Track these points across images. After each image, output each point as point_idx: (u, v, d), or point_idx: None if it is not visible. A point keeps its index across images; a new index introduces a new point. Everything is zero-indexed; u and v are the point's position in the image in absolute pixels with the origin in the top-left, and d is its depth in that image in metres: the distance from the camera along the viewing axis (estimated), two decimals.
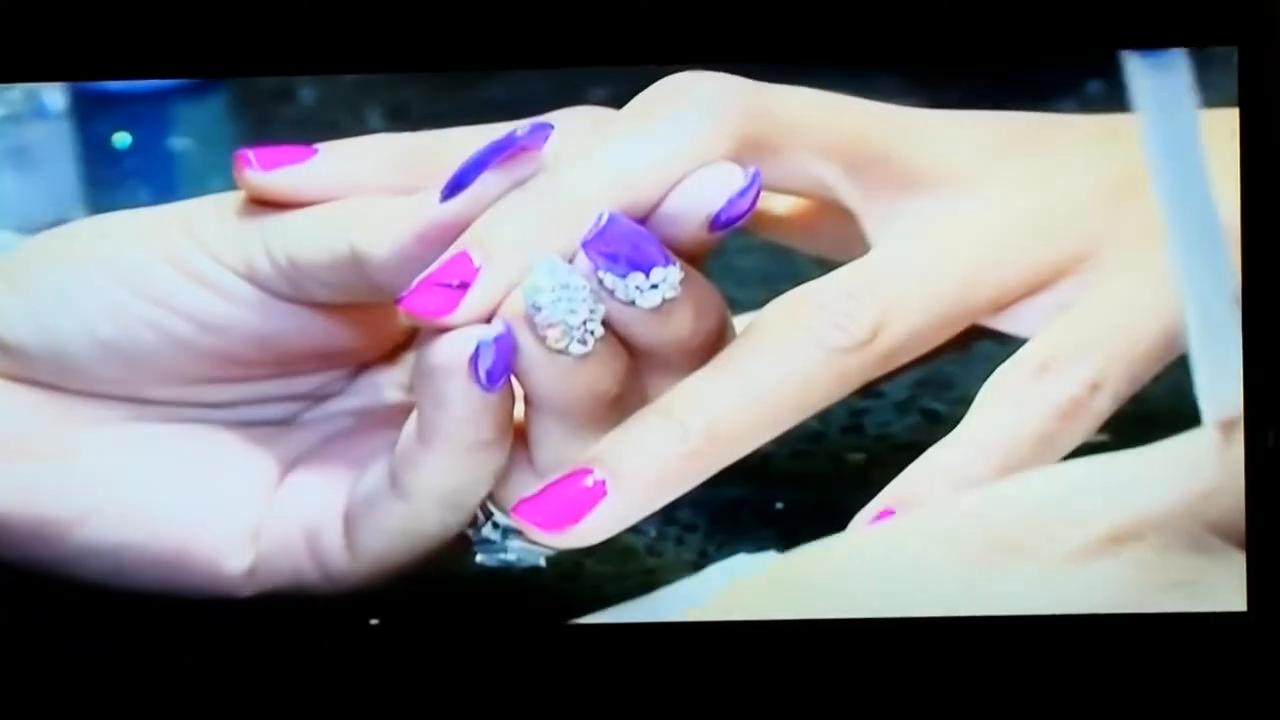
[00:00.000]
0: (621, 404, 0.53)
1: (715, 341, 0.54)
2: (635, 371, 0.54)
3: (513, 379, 0.53)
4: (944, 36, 0.56)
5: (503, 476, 0.54)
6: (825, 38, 0.57)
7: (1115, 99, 0.79)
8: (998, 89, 0.60)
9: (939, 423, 0.65)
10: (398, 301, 0.52)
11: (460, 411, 0.52)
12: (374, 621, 0.56)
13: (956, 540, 0.48)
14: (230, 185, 0.57)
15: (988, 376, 0.54)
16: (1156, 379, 0.55)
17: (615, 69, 0.57)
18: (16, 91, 0.78)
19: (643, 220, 0.53)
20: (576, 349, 0.52)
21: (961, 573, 0.48)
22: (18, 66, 0.58)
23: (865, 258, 0.55)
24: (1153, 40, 0.55)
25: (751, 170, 0.53)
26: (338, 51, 0.58)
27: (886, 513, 0.52)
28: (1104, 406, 0.53)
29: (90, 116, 0.81)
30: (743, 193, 0.53)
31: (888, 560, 0.49)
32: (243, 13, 0.57)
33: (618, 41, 0.57)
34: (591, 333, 0.52)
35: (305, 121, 0.84)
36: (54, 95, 0.79)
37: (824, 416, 0.64)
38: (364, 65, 0.60)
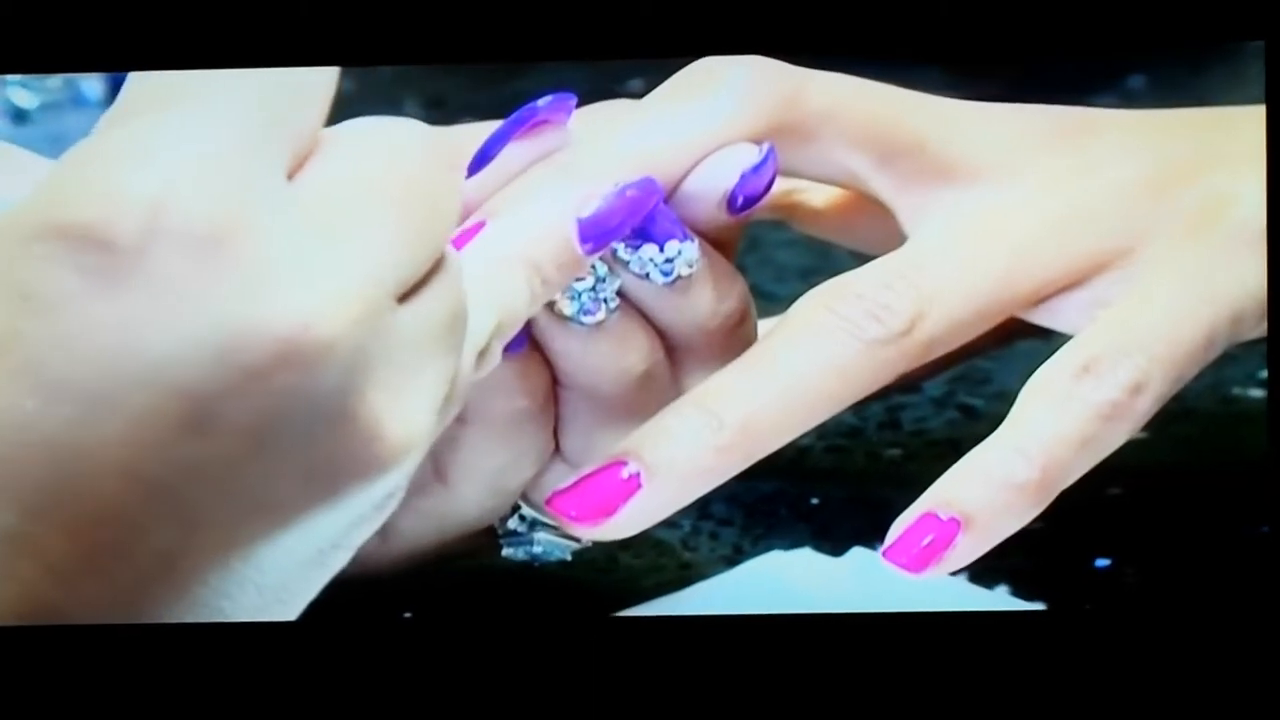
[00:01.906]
0: (651, 392, 0.53)
1: (738, 327, 0.54)
2: (668, 361, 0.54)
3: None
4: (970, 30, 0.56)
5: None
6: (861, 30, 0.56)
7: (1155, 93, 0.79)
8: (1037, 83, 0.59)
9: (976, 418, 0.65)
10: None
11: (488, 380, 0.51)
12: (407, 615, 0.56)
13: None
14: None
15: (1025, 372, 0.54)
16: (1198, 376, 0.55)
17: (652, 61, 0.57)
18: (55, 80, 0.79)
19: (665, 199, 0.52)
20: (587, 317, 0.52)
21: None
22: (53, 56, 0.58)
23: (903, 248, 0.55)
24: (1181, 35, 0.54)
25: (766, 146, 0.53)
26: (373, 44, 0.58)
27: (928, 516, 0.52)
28: (1146, 408, 0.53)
29: None
30: (756, 169, 0.53)
31: None
32: (277, 3, 0.57)
33: (652, 33, 0.57)
34: (603, 301, 0.52)
35: (342, 111, 0.84)
36: (92, 84, 0.80)
37: (861, 412, 0.64)
38: (399, 57, 0.59)
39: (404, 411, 0.42)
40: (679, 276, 0.52)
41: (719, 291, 0.53)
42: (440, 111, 0.84)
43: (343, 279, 0.40)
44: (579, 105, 0.54)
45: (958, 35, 0.56)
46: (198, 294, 0.39)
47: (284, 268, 0.40)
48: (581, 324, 0.52)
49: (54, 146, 0.81)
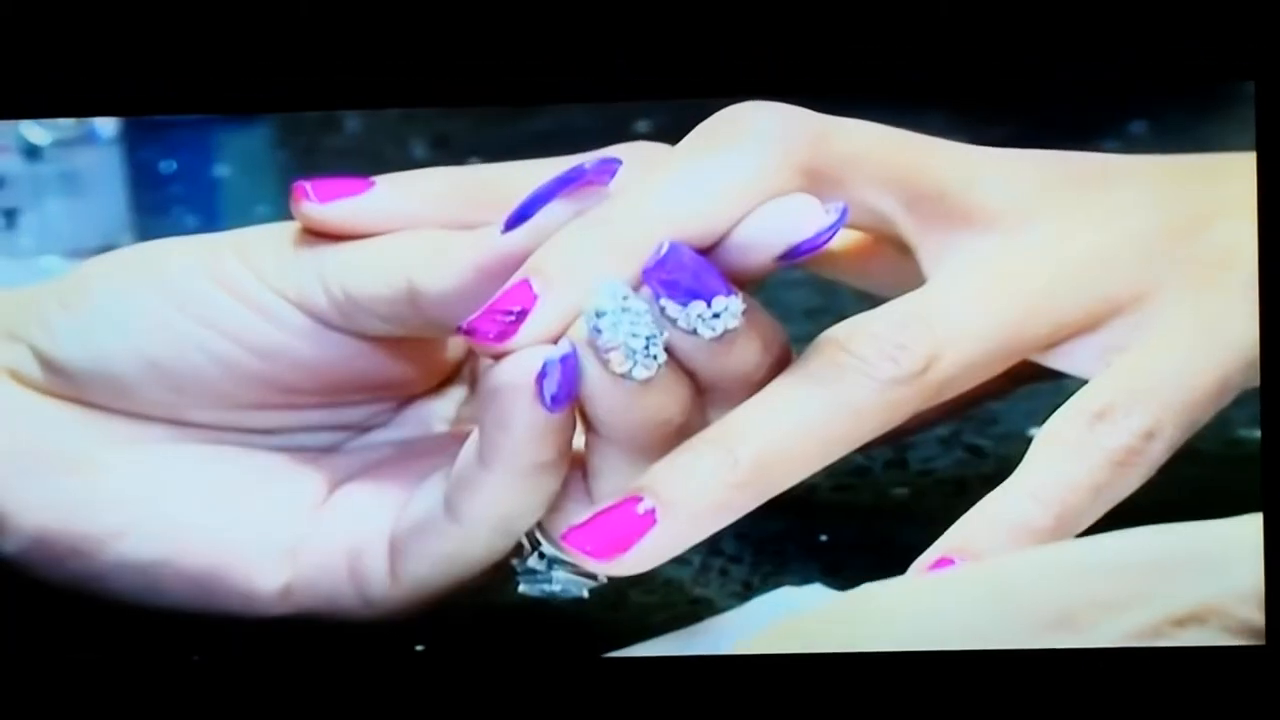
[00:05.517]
0: (684, 437, 0.53)
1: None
2: (700, 406, 0.53)
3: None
4: (965, 72, 0.56)
5: (556, 506, 0.54)
6: (861, 74, 0.57)
7: (1157, 139, 0.80)
8: (1041, 128, 0.60)
9: (983, 458, 0.65)
10: (459, 329, 0.52)
11: (523, 432, 0.51)
12: (419, 648, 0.56)
13: (1011, 604, 0.47)
14: (277, 213, 0.57)
15: (1033, 412, 0.54)
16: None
17: (660, 102, 0.57)
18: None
19: (707, 250, 0.52)
20: (640, 373, 0.51)
21: (1011, 639, 0.47)
22: (68, 100, 0.58)
23: (920, 290, 0.55)
24: (1170, 76, 0.55)
25: (840, 205, 0.53)
26: (381, 86, 0.58)
27: (944, 561, 0.52)
28: (1158, 454, 0.53)
29: (139, 143, 0.82)
30: (832, 227, 0.53)
31: (937, 611, 0.49)
32: (287, 47, 0.57)
33: (662, 75, 0.57)
34: (654, 357, 0.51)
35: (350, 151, 0.84)
36: (104, 121, 0.80)
37: (868, 451, 0.64)
38: (408, 100, 0.60)
39: None
40: (726, 330, 0.52)
41: (764, 343, 0.53)
42: (445, 150, 0.84)
43: None
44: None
45: (953, 77, 0.57)
46: None
47: None
48: (634, 380, 0.52)
49: (66, 184, 0.82)
